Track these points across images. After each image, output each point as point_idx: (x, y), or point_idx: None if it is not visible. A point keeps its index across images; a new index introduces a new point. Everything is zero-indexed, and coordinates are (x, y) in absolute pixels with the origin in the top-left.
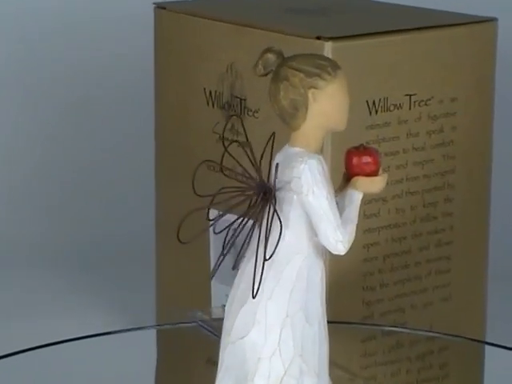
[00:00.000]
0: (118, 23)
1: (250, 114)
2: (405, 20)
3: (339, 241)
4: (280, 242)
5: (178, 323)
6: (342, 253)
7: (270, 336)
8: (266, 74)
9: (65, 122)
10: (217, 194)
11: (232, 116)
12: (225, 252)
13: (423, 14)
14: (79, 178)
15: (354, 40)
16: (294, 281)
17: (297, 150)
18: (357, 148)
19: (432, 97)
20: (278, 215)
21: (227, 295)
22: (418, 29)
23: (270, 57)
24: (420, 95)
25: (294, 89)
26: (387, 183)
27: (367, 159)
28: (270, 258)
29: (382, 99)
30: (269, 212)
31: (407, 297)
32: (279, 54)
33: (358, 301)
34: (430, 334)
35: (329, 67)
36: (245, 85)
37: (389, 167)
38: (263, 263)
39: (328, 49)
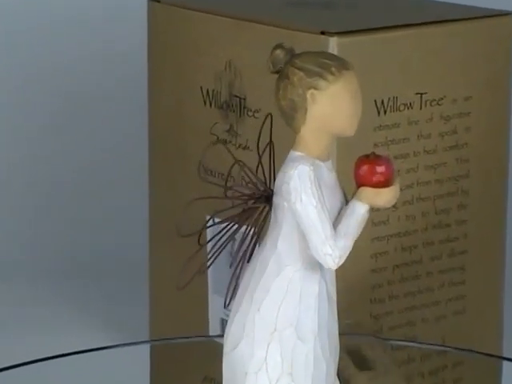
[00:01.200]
0: (111, 17)
1: (250, 114)
2: (415, 14)
3: (327, 254)
4: (266, 251)
5: (173, 339)
6: (332, 267)
7: (258, 350)
8: (276, 72)
9: (50, 125)
10: (208, 198)
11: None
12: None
13: (435, 8)
14: (71, 187)
15: (360, 35)
16: (285, 294)
17: (296, 154)
18: (367, 156)
19: (444, 96)
20: (261, 221)
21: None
22: (430, 23)
23: (279, 53)
24: (432, 94)
25: (293, 88)
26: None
27: (373, 169)
28: (238, 264)
29: (391, 98)
30: (263, 217)
31: (418, 310)
32: (289, 50)
33: (365, 314)
34: (443, 348)
35: (333, 67)
36: (244, 83)
37: (398, 171)
38: (238, 270)
39: (333, 45)
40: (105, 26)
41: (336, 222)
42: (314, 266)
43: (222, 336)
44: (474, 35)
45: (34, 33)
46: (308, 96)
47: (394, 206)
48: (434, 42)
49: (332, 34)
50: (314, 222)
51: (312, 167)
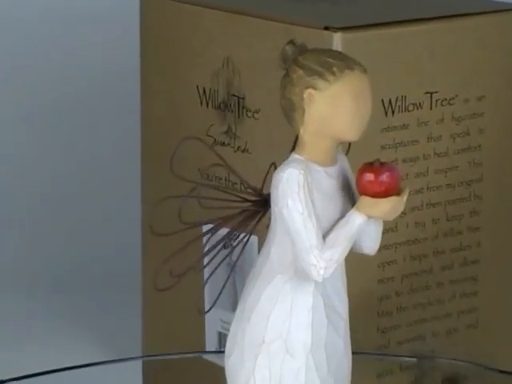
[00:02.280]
0: (102, 13)
1: (250, 114)
2: (425, 8)
3: (312, 265)
4: (262, 258)
5: (166, 354)
6: (317, 279)
7: (247, 361)
8: (286, 69)
9: (39, 128)
10: (179, 196)
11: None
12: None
13: (447, 1)
14: (60, 196)
15: (367, 31)
16: (274, 304)
17: (295, 157)
18: (371, 163)
19: (456, 95)
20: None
21: (222, 320)
22: (441, 18)
23: (287, 50)
24: (442, 93)
25: (292, 87)
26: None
27: (372, 177)
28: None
29: (399, 98)
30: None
31: (428, 323)
32: (298, 47)
33: (372, 327)
34: (454, 362)
35: (335, 66)
36: (243, 81)
37: (407, 175)
38: (228, 277)
39: (337, 41)
40: (95, 22)
41: (329, 232)
42: (308, 276)
43: (217, 352)
44: (487, 31)
45: (27, 30)
46: (305, 95)
47: (402, 212)
48: (446, 38)
49: (336, 30)
50: (299, 230)
51: (303, 171)
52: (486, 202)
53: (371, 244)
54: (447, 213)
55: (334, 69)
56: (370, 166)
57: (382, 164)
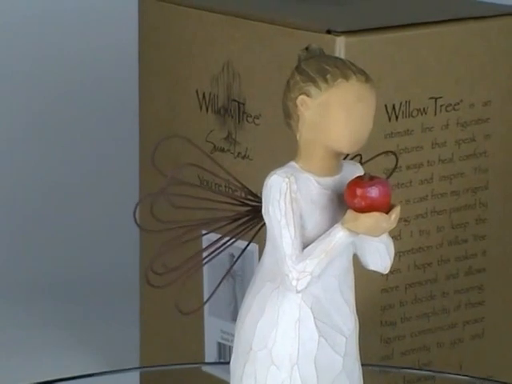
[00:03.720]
0: (100, 15)
1: (250, 119)
2: (430, 11)
3: (285, 274)
4: (258, 265)
5: (164, 365)
6: (291, 291)
7: (237, 368)
8: None
9: (32, 133)
10: (155, 194)
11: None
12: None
13: (452, 5)
14: (58, 203)
15: (370, 34)
16: (263, 312)
17: (290, 164)
18: (360, 177)
19: (461, 100)
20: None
21: (222, 331)
22: (446, 21)
23: (300, 55)
24: (447, 98)
25: (288, 93)
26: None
27: (356, 191)
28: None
29: (403, 103)
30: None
31: (433, 333)
32: (311, 52)
33: (375, 338)
34: (460, 377)
35: (329, 74)
36: (243, 86)
37: (411, 182)
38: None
39: (340, 45)
40: (94, 26)
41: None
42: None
43: (215, 363)
44: (494, 34)
45: (26, 32)
46: (298, 102)
47: (405, 220)
48: (451, 42)
49: (339, 33)
50: (277, 238)
51: (287, 179)
52: (492, 210)
53: (378, 261)
54: (452, 220)
55: (328, 76)
56: (358, 180)
57: (371, 178)
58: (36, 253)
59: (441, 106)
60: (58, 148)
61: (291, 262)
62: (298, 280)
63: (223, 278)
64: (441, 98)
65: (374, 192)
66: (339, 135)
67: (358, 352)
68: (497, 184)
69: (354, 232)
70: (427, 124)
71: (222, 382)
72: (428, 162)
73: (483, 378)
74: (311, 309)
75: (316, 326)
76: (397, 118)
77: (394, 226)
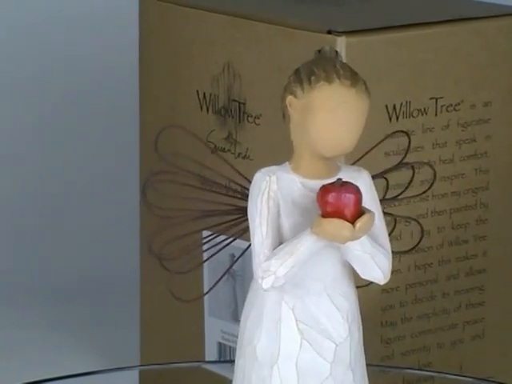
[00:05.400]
0: (101, 15)
1: (251, 120)
2: (430, 11)
3: (254, 271)
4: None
5: (163, 364)
6: (261, 288)
7: (236, 359)
8: None
9: (33, 136)
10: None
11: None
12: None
13: (453, 5)
14: (60, 205)
15: (371, 35)
16: (251, 309)
17: (284, 164)
18: (332, 183)
19: (462, 101)
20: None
21: (222, 331)
22: (447, 22)
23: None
24: (448, 99)
25: (282, 93)
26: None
27: (321, 196)
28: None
29: (403, 103)
30: None
31: (433, 334)
32: (321, 53)
33: (375, 338)
34: (460, 378)
35: (314, 76)
36: (244, 86)
37: (411, 182)
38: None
39: (341, 45)
40: (94, 26)
41: None
42: (279, 288)
43: (214, 362)
44: (494, 35)
45: (27, 33)
46: (287, 102)
47: (406, 221)
48: (451, 43)
49: (339, 34)
50: (251, 235)
51: (268, 178)
52: (493, 210)
53: (366, 271)
54: (453, 221)
55: (312, 78)
56: (329, 185)
57: (342, 184)
58: (36, 253)
59: (441, 106)
60: (59, 149)
61: (258, 260)
62: (262, 278)
63: (224, 274)
64: (441, 98)
65: (337, 198)
66: (319, 138)
67: (359, 362)
68: (497, 184)
69: (320, 237)
70: (428, 124)
71: (221, 380)
72: (429, 161)
73: (483, 379)
74: (293, 310)
75: (298, 327)
76: (397, 118)
77: (362, 235)
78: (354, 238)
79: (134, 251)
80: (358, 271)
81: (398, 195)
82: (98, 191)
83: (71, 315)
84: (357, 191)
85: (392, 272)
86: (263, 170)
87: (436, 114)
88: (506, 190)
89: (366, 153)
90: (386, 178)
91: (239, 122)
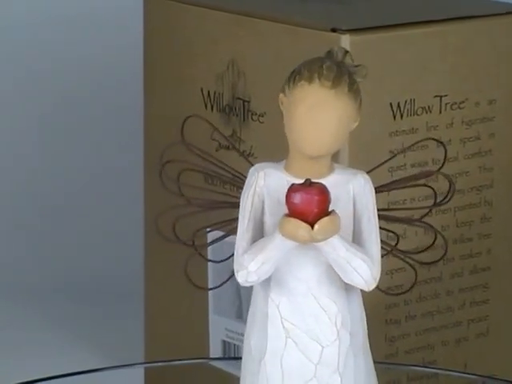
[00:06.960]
0: (104, 14)
1: (255, 118)
2: (435, 9)
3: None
4: None
5: (168, 361)
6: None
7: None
8: None
9: (36, 136)
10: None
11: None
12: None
13: (457, 3)
14: (63, 204)
15: (375, 32)
16: (250, 303)
17: (281, 162)
18: (301, 183)
19: (466, 99)
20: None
21: (227, 329)
22: (451, 20)
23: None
24: (452, 97)
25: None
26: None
27: (286, 197)
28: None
29: (408, 101)
30: None
31: (437, 331)
32: (328, 54)
33: (379, 336)
34: (465, 375)
35: (298, 75)
36: (248, 84)
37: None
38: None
39: (345, 43)
40: (98, 25)
41: None
42: (265, 285)
43: (220, 359)
44: (498, 33)
45: (30, 33)
46: (279, 98)
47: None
48: (456, 41)
49: (344, 32)
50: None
51: (257, 173)
52: (497, 208)
53: (344, 275)
54: (457, 219)
55: (296, 77)
56: (296, 185)
57: (310, 184)
58: (39, 252)
59: (446, 104)
60: (62, 149)
61: (236, 253)
62: (237, 272)
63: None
64: (446, 96)
65: (296, 198)
66: (298, 137)
67: (350, 367)
68: (502, 182)
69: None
70: (432, 122)
71: (226, 378)
72: (433, 160)
73: (488, 377)
74: (278, 307)
75: (283, 325)
76: (402, 116)
77: (322, 237)
78: (313, 239)
79: (138, 248)
80: (340, 275)
81: (434, 205)
82: (102, 190)
83: (75, 313)
84: (322, 192)
85: (396, 270)
86: (256, 166)
87: (440, 112)
88: (510, 187)
89: (388, 160)
90: (431, 187)
91: (243, 120)
